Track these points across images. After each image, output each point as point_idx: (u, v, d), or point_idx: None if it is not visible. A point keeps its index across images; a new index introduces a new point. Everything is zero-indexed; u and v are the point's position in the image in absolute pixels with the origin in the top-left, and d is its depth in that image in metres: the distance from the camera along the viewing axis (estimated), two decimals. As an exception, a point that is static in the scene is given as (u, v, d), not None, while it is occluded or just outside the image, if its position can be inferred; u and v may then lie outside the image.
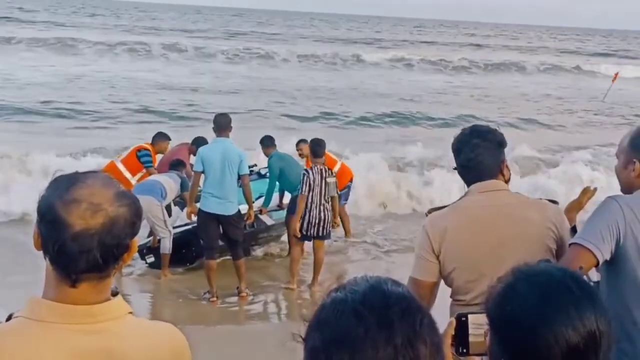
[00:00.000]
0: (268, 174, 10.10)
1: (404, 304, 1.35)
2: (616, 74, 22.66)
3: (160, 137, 10.34)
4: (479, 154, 3.29)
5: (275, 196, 10.22)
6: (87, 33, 44.69)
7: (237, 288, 8.73)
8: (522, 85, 34.52)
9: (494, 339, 1.65)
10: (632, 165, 3.25)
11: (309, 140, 9.82)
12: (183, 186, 9.42)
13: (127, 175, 9.82)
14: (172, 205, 9.71)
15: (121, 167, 9.93)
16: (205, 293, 8.66)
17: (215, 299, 8.56)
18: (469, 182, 3.35)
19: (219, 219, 8.46)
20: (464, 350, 1.93)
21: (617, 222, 3.09)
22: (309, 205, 8.85)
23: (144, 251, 9.53)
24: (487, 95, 30.10)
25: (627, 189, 3.29)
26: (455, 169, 3.43)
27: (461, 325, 1.94)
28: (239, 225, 8.68)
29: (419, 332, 1.32)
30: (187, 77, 29.51)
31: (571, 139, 20.94)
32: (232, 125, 8.58)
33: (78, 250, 1.72)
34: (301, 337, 1.38)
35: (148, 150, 10.07)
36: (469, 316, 1.94)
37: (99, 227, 1.73)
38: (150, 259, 9.57)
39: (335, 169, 10.55)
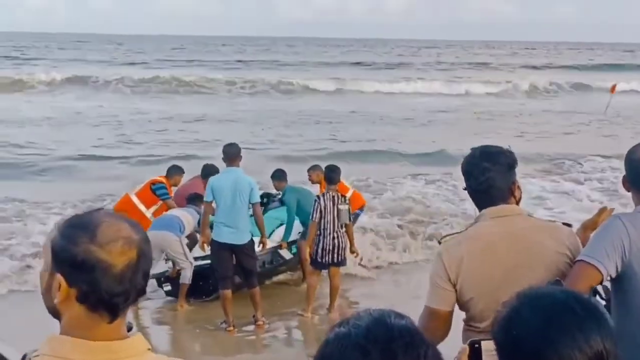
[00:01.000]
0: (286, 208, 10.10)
1: (407, 337, 1.36)
2: (614, 86, 22.50)
3: (175, 170, 10.37)
4: (489, 178, 3.22)
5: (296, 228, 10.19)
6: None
7: (254, 317, 8.72)
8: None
9: None
10: (625, 182, 3.38)
11: (322, 167, 9.86)
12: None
13: (142, 207, 9.87)
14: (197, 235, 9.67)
15: (135, 200, 9.98)
16: (222, 323, 8.66)
17: (232, 328, 8.56)
18: (480, 206, 3.31)
19: (232, 248, 8.49)
20: None
21: (622, 239, 3.14)
22: (322, 232, 8.85)
23: (161, 279, 9.59)
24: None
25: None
26: (465, 189, 3.38)
27: (474, 352, 1.95)
28: (252, 255, 8.71)
29: None
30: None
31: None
32: (241, 154, 8.65)
33: (129, 285, 1.77)
34: None
35: (163, 183, 10.10)
36: (482, 342, 1.93)
37: (135, 258, 1.79)
38: (167, 287, 9.60)
39: (347, 195, 10.55)
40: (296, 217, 9.99)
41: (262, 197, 9.74)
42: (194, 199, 9.81)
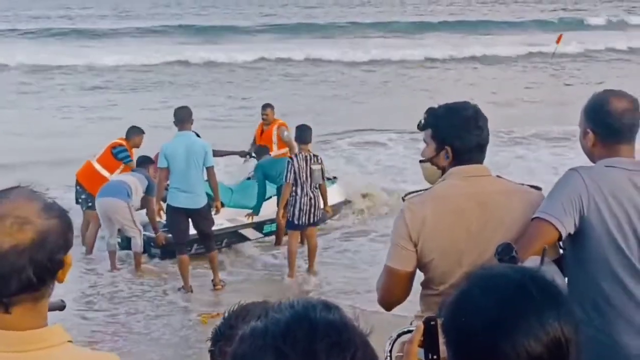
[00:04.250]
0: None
1: (333, 336, 1.16)
2: (560, 35, 22.72)
3: (135, 131, 10.08)
4: (479, 137, 3.16)
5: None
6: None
7: (212, 280, 8.70)
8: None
9: (450, 353, 1.50)
10: (587, 135, 3.20)
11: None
12: (149, 189, 9.21)
13: (105, 173, 9.64)
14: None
15: (97, 166, 9.76)
16: (179, 289, 8.62)
17: (190, 292, 8.53)
18: (452, 164, 3.17)
19: (188, 213, 8.41)
20: (434, 357, 1.78)
21: (580, 194, 3.03)
22: (298, 193, 8.79)
23: (150, 244, 9.45)
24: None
25: (590, 159, 3.24)
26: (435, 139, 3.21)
27: (430, 330, 1.79)
28: (209, 218, 8.64)
29: None
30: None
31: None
32: (193, 117, 8.54)
33: (9, 270, 1.61)
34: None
35: (123, 145, 9.87)
36: (438, 319, 1.76)
37: (28, 243, 1.62)
38: (156, 250, 9.50)
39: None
40: (271, 185, 9.86)
41: None
42: (142, 162, 9.61)
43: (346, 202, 11.13)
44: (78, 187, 9.83)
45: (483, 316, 1.42)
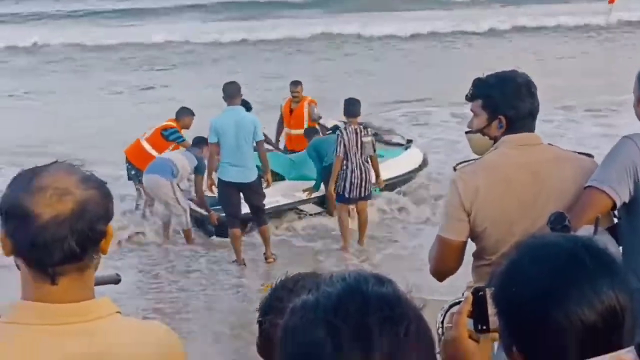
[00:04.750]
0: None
1: (386, 310, 1.14)
2: None
3: (185, 112, 10.15)
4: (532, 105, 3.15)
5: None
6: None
7: (264, 254, 8.77)
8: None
9: (502, 323, 1.47)
10: None
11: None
12: (198, 168, 9.24)
13: (154, 153, 9.72)
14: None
15: (146, 145, 9.87)
16: (233, 262, 8.72)
17: (244, 266, 8.63)
18: (504, 133, 3.15)
19: (239, 187, 8.48)
20: (484, 327, 1.75)
21: (634, 161, 2.98)
22: (349, 166, 8.74)
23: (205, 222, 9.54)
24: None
25: None
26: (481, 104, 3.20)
27: (478, 300, 1.75)
28: (260, 192, 8.70)
29: (403, 344, 1.13)
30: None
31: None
32: (241, 92, 8.58)
33: (51, 239, 1.63)
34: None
35: (174, 127, 9.96)
36: (487, 290, 1.74)
37: (68, 213, 1.64)
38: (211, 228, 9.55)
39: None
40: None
41: None
42: (197, 142, 9.59)
43: (422, 166, 10.80)
44: (128, 165, 9.97)
45: (534, 285, 1.39)
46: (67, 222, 1.64)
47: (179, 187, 9.26)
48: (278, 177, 9.89)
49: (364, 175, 8.80)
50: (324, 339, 1.12)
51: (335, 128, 9.51)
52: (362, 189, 8.84)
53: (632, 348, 1.33)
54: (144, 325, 1.88)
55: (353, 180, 8.77)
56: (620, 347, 1.33)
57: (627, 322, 1.35)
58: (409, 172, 10.56)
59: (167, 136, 9.89)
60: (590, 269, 1.37)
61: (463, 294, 3.31)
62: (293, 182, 9.98)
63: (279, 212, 9.67)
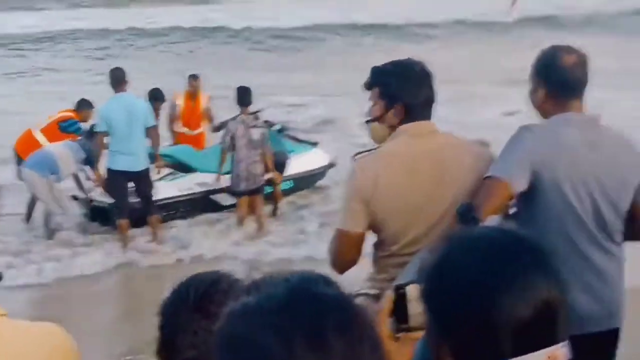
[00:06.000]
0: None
1: (339, 313, 1.06)
2: None
3: (85, 105, 9.60)
4: (429, 93, 3.11)
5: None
6: None
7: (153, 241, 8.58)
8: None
9: (431, 321, 1.38)
10: (538, 91, 3.19)
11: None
12: (90, 160, 8.75)
13: (46, 144, 9.03)
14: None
15: (40, 137, 9.24)
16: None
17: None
18: (402, 122, 3.09)
19: (129, 176, 8.25)
20: (404, 326, 1.73)
21: (533, 151, 3.01)
22: (235, 158, 8.52)
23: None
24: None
25: (542, 115, 3.22)
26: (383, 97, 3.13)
27: (399, 298, 1.72)
28: (149, 181, 8.50)
29: (359, 348, 1.05)
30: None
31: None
32: (127, 78, 8.30)
33: None
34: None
35: (73, 118, 9.40)
36: (408, 287, 1.71)
37: None
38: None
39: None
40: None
41: None
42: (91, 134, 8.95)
43: (331, 166, 10.41)
44: (17, 159, 9.18)
45: (466, 280, 1.32)
46: None
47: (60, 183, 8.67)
48: (189, 169, 9.53)
49: (250, 167, 8.57)
50: (273, 344, 1.02)
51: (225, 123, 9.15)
52: (250, 182, 8.61)
53: (566, 342, 1.30)
54: (32, 326, 1.75)
55: (240, 173, 8.58)
56: (555, 342, 1.29)
57: (561, 315, 1.31)
58: (320, 169, 10.35)
59: (65, 127, 9.29)
60: (524, 262, 1.32)
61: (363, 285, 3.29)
62: (205, 174, 9.49)
63: (193, 203, 9.34)
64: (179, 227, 9.09)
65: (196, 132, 10.33)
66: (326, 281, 1.10)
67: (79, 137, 9.04)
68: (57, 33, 25.41)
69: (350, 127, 12.66)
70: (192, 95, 10.20)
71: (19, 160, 9.07)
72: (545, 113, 3.21)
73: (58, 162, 8.56)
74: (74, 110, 9.57)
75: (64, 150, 8.69)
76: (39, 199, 8.75)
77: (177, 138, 10.36)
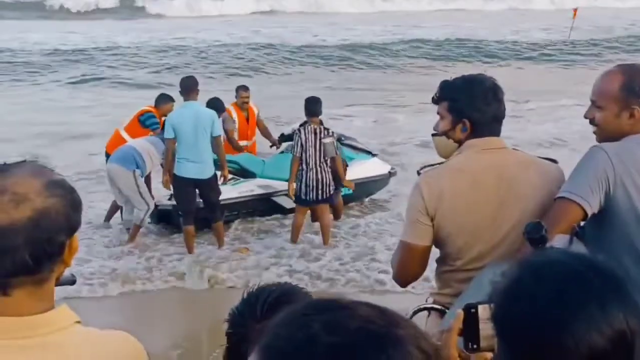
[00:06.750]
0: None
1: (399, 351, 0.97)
2: (575, 10, 21.67)
3: (164, 99, 9.69)
4: (497, 109, 3.10)
5: None
6: None
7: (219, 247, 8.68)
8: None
9: (502, 345, 1.36)
10: (629, 112, 3.04)
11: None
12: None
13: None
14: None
15: (125, 135, 9.38)
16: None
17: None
18: (469, 137, 3.10)
19: (195, 183, 8.36)
20: (474, 346, 1.70)
21: (606, 172, 2.94)
22: (305, 167, 8.48)
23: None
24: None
25: (614, 138, 3.08)
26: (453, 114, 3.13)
27: (469, 318, 1.69)
28: (216, 188, 8.59)
29: None
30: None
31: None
32: (199, 87, 8.42)
33: (2, 249, 1.50)
34: None
35: (151, 112, 9.51)
36: (479, 307, 1.68)
37: (24, 222, 1.51)
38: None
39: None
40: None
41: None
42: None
43: (391, 175, 10.41)
44: (107, 158, 9.22)
45: (539, 308, 1.29)
46: (22, 232, 1.51)
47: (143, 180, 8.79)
48: (250, 175, 9.62)
49: (319, 176, 8.54)
50: None
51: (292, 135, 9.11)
52: (320, 192, 8.57)
53: None
54: (104, 335, 1.75)
55: (308, 183, 8.54)
56: None
57: (637, 347, 1.27)
58: (381, 176, 10.32)
59: (143, 121, 9.41)
60: (599, 290, 1.29)
61: (427, 300, 3.27)
62: (267, 180, 9.62)
63: (255, 204, 9.45)
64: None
65: (249, 143, 10.40)
66: (370, 306, 1.02)
67: (158, 132, 9.12)
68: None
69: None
70: (243, 106, 10.27)
71: (108, 158, 9.16)
72: (623, 136, 3.08)
73: (143, 155, 8.71)
74: (154, 105, 9.65)
75: (146, 145, 8.83)
76: (122, 193, 8.74)
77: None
